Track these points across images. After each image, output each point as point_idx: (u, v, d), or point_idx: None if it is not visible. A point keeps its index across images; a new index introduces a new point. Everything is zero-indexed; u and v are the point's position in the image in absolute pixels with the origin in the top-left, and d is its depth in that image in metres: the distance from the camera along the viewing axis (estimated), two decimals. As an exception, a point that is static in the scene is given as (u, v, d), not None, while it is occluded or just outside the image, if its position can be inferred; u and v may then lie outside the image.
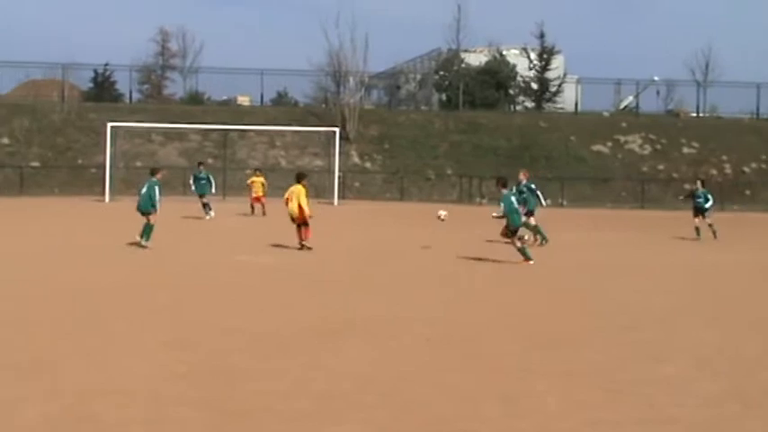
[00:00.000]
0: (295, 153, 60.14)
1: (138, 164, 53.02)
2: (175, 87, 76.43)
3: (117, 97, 70.55)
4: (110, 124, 48.72)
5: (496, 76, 71.90)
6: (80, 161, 54.18)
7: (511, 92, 74.35)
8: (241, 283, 18.95)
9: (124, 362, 11.19)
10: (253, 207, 38.50)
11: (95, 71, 70.92)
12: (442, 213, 26.13)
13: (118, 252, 23.95)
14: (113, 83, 72.70)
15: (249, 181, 40.45)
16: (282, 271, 21.07)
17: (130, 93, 68.92)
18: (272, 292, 17.69)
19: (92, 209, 41.38)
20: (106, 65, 71.17)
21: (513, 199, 22.90)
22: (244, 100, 72.39)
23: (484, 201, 55.83)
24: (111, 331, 13.09)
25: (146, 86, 75.94)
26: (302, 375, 10.71)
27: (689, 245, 30.39)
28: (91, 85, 71.30)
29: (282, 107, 71.09)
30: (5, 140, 55.99)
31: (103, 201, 46.24)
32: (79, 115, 57.58)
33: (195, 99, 71.38)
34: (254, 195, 38.96)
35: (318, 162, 55.64)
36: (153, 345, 12.21)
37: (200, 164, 38.23)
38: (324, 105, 67.62)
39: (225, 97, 76.42)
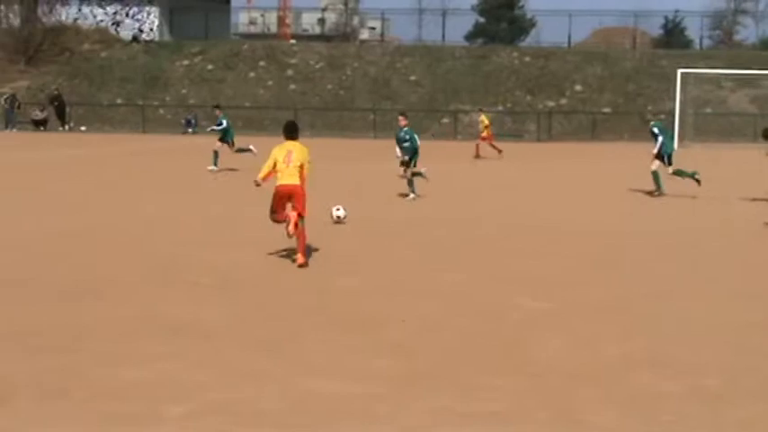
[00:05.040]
0: None
1: (708, 110, 50.98)
2: (747, 33, 74.22)
3: (687, 43, 69.21)
4: (680, 71, 46.85)
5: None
6: (649, 107, 51.83)
7: None
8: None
9: None
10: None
11: (666, 18, 70.86)
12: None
13: None
14: (683, 29, 71.56)
15: None
16: None
17: (701, 39, 67.24)
18: None
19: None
20: (676, 11, 70.96)
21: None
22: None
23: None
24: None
25: (716, 32, 74.17)
26: None
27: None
28: (661, 31, 71.13)
29: None
30: (579, 87, 54.71)
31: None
32: (650, 62, 55.68)
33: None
34: None
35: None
36: None
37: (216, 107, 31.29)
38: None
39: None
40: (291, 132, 14.57)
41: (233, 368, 8.73)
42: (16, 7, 58.46)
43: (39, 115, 52.12)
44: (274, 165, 14.27)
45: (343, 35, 73.18)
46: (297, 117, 49.23)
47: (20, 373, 8.44)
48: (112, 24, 60.56)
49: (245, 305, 11.36)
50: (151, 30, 60.41)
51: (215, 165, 28.53)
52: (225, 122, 29.32)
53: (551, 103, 53.88)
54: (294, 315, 10.91)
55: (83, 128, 52.31)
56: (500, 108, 53.17)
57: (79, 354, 9.11)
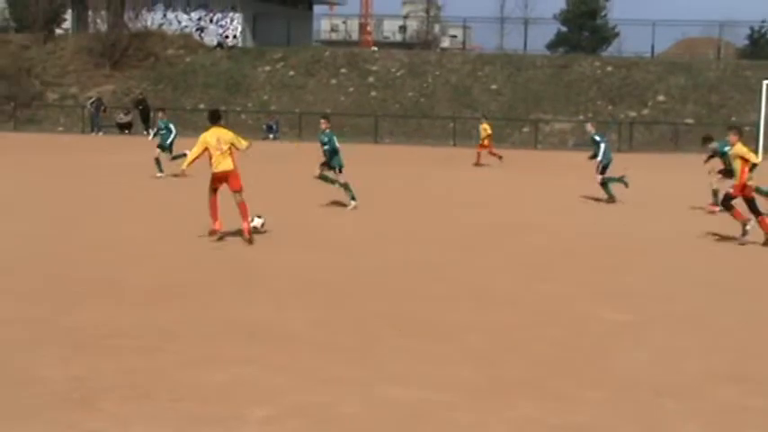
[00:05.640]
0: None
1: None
2: None
3: (773, 54, 68.97)
4: (765, 82, 45.97)
5: None
6: (733, 118, 51.51)
7: None
8: None
9: None
10: None
11: (752, 28, 69.96)
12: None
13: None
14: (770, 40, 71.06)
15: None
16: None
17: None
18: None
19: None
20: (763, 21, 70.04)
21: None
22: None
23: None
24: None
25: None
26: None
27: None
28: (746, 42, 70.26)
29: None
30: (661, 97, 54.84)
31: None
32: (734, 72, 55.74)
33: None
34: None
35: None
36: None
37: (160, 110, 34.50)
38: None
39: None
40: (216, 119, 16.59)
41: (312, 373, 8.78)
42: (103, 13, 59.42)
43: (123, 119, 52.88)
44: (204, 150, 16.14)
45: (424, 43, 73.18)
46: (377, 124, 49.55)
47: (105, 374, 8.58)
48: (196, 30, 61.35)
49: (323, 309, 11.42)
50: (235, 36, 61.10)
51: (160, 170, 28.62)
52: (173, 129, 29.86)
53: (633, 114, 53.32)
54: (372, 320, 10.94)
55: (166, 132, 52.95)
56: (581, 117, 52.78)
57: (163, 356, 9.23)
